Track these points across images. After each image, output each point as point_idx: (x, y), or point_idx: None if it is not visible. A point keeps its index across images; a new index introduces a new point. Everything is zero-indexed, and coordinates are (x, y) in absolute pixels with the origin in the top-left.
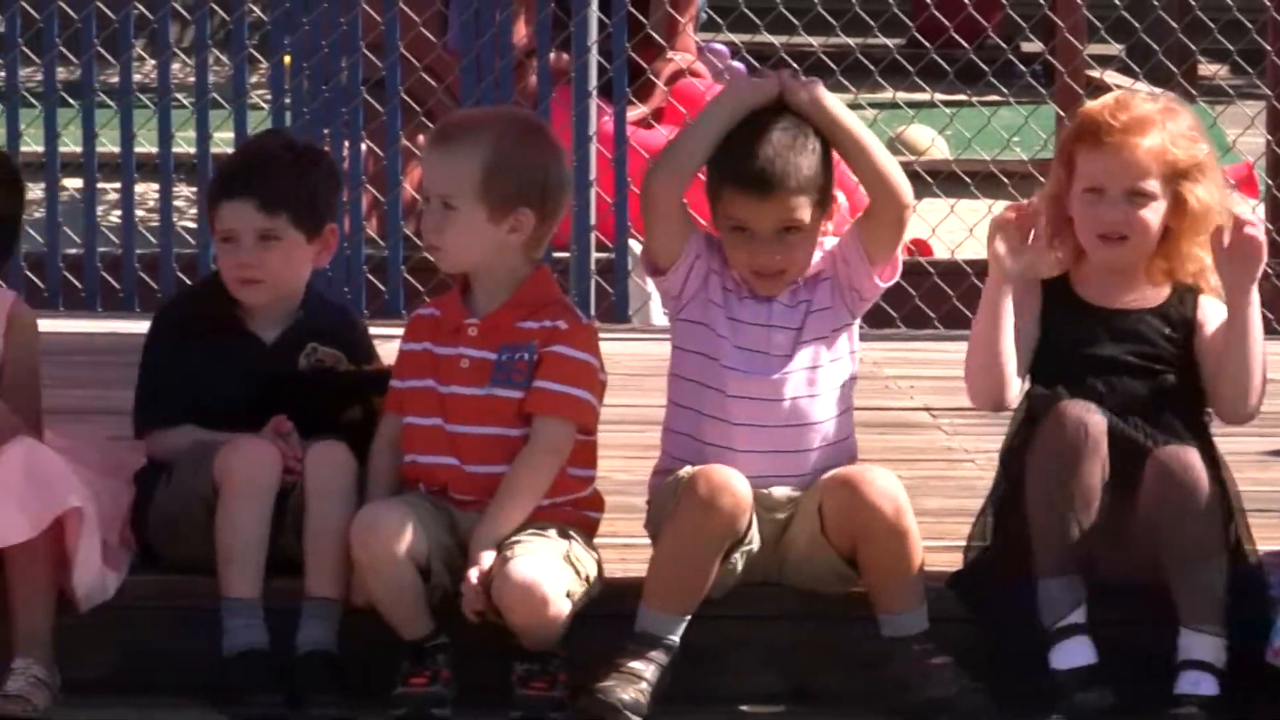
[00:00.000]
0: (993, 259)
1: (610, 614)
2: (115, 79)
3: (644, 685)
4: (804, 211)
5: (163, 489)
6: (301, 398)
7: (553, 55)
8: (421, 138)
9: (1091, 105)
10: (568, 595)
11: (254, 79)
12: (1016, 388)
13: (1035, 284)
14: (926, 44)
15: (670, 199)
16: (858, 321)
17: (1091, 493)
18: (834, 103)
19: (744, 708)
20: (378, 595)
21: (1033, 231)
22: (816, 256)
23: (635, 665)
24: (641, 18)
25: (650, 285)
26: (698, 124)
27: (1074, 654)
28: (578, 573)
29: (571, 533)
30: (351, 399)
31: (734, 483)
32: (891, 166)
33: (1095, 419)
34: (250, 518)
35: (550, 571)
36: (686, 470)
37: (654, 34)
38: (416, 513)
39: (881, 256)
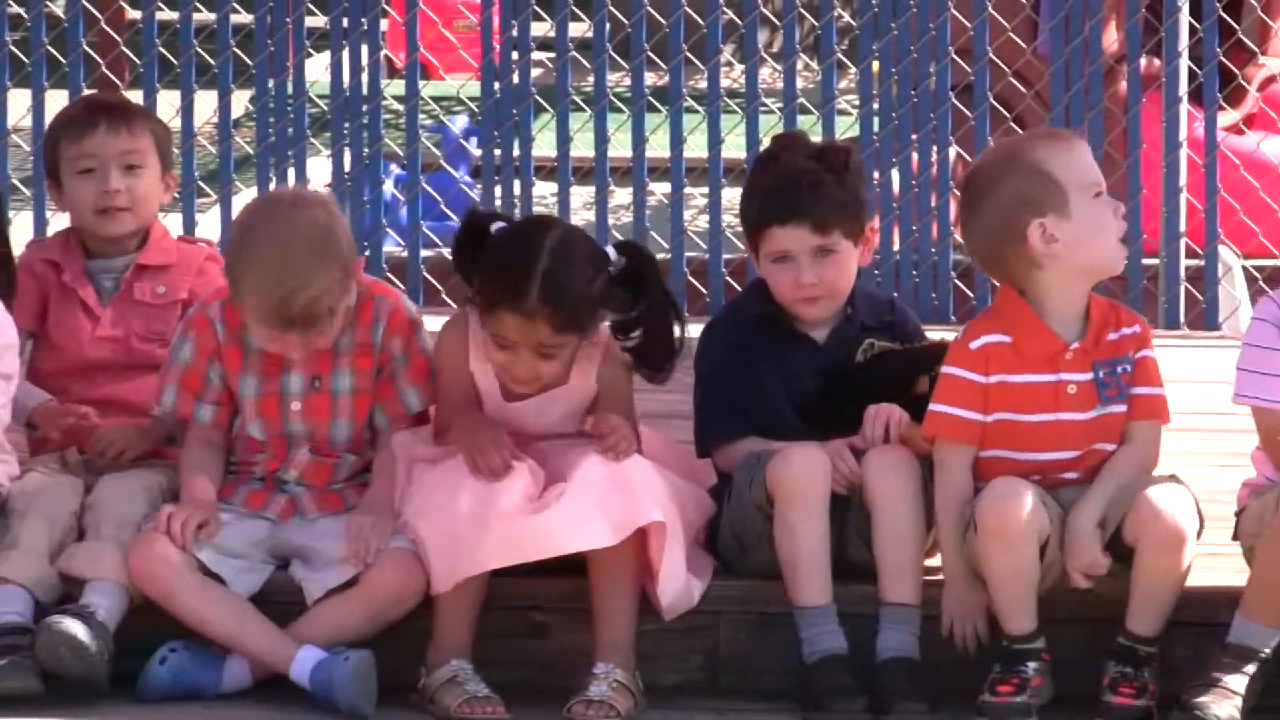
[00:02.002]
0: None
1: (1196, 622)
2: (703, 84)
3: (1237, 701)
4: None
5: (726, 502)
6: (863, 389)
7: (1143, 61)
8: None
9: None
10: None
11: (841, 84)
12: None
13: None
14: None
15: None
16: None
17: None
18: None
19: None
20: (1000, 570)
21: None
22: None
23: (1230, 680)
24: (1233, 23)
25: (1240, 291)
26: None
27: None
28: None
29: None
30: (913, 376)
31: None
32: None
33: None
34: (809, 526)
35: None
36: None
37: (1245, 39)
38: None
39: None
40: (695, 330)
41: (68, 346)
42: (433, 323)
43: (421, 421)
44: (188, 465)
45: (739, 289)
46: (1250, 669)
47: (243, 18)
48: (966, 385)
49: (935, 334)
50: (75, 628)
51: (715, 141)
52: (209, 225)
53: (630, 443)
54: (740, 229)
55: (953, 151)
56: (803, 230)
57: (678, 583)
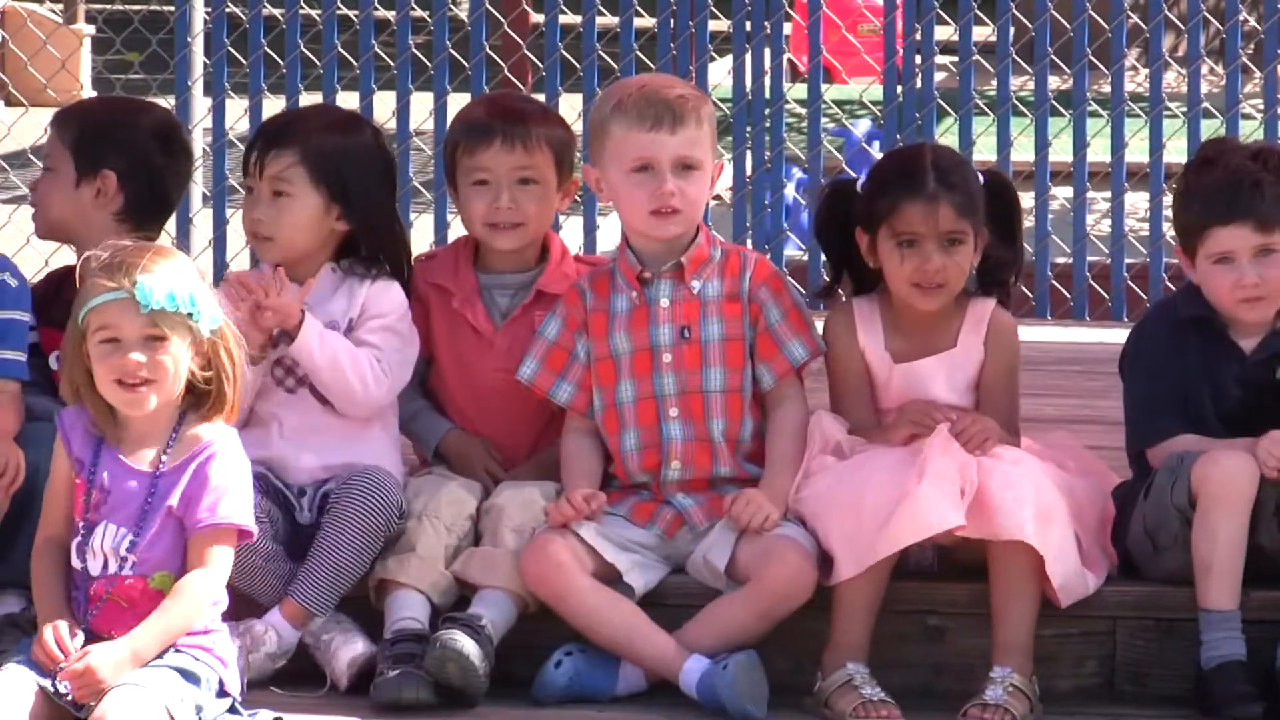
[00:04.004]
0: None
1: None
2: (1106, 88)
3: None
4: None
5: (1141, 501)
6: None
7: None
8: None
9: None
10: None
11: (1246, 89)
12: None
13: None
14: None
15: None
16: None
17: None
18: None
19: None
20: None
21: None
22: None
23: None
24: None
25: None
26: None
27: None
28: None
29: None
30: None
31: None
32: None
33: None
34: (1230, 528)
35: None
36: None
37: None
38: None
39: None
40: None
41: (460, 373)
42: None
43: None
44: (567, 461)
45: (1143, 295)
46: None
47: (645, 21)
48: None
49: None
50: (465, 644)
51: (1119, 146)
52: (610, 230)
53: (987, 435)
54: (1166, 233)
55: None
56: (1245, 229)
57: (1069, 566)
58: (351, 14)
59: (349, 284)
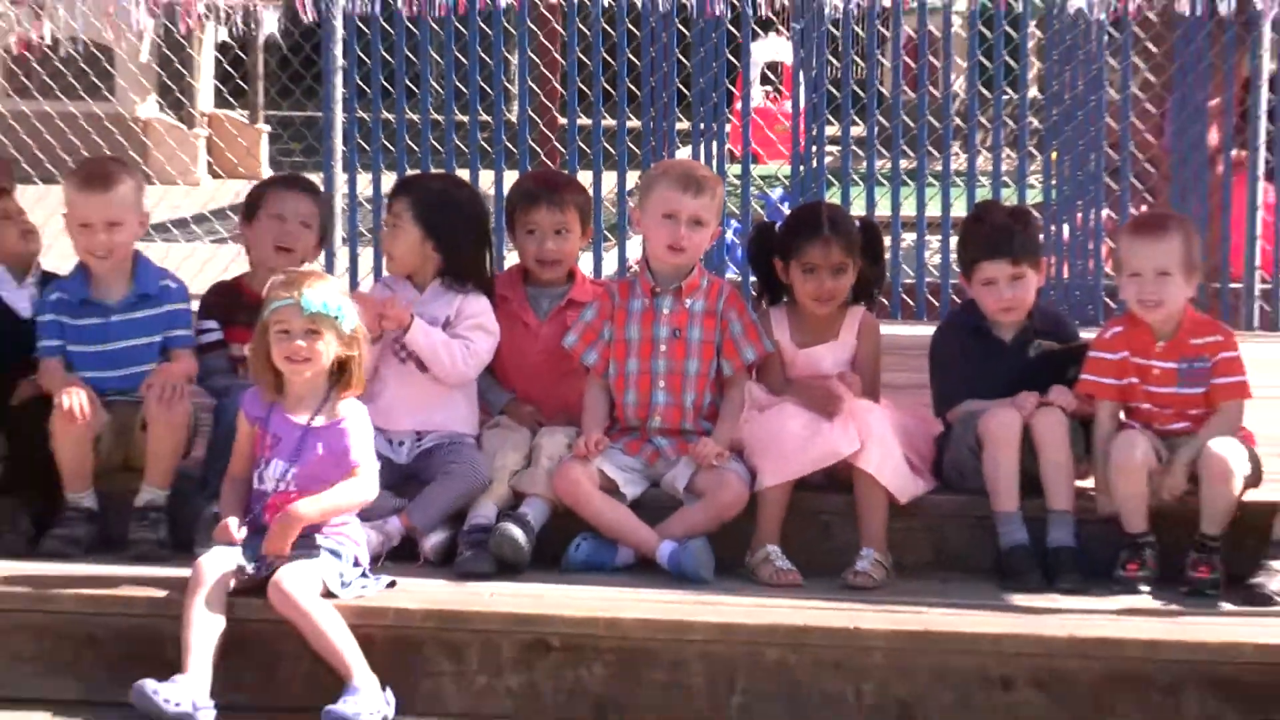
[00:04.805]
0: None
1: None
2: (939, 167)
3: None
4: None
5: (947, 447)
6: (1037, 373)
7: (1235, 151)
8: None
9: None
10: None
11: (1032, 167)
12: None
13: None
14: None
15: None
16: None
17: None
18: None
19: None
20: (1123, 491)
21: None
22: None
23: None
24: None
25: None
26: None
27: None
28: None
29: None
30: (1066, 366)
31: None
32: None
33: None
34: (1006, 458)
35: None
36: None
37: None
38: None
39: None
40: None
41: (514, 354)
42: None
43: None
44: (587, 405)
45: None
46: None
47: (634, 122)
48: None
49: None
50: (516, 533)
51: (946, 206)
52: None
53: (851, 394)
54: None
55: (1105, 212)
56: (1003, 264)
57: (901, 478)
58: (438, 117)
59: (450, 294)
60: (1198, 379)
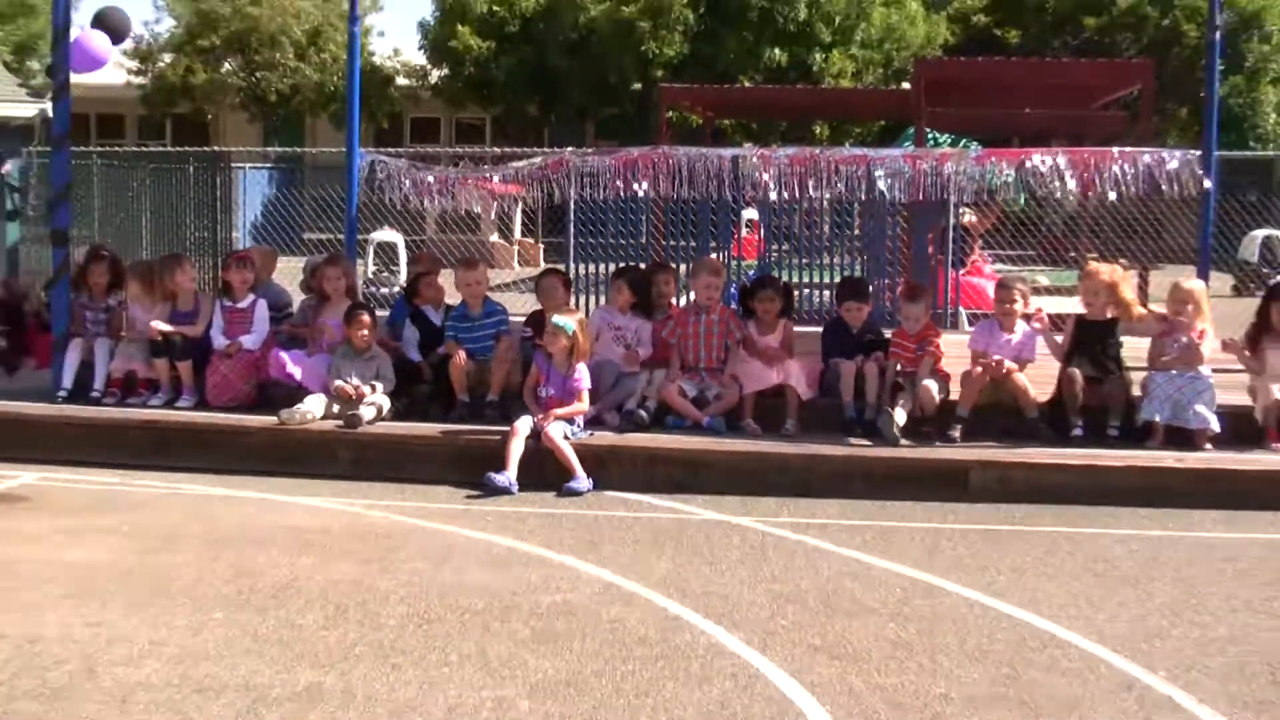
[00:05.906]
0: None
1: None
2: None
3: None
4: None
5: (829, 379)
6: (865, 346)
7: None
8: None
9: None
10: None
11: None
12: None
13: None
14: None
15: None
16: None
17: None
18: None
19: None
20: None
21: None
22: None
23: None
24: None
25: None
26: None
27: None
28: None
29: None
30: (877, 346)
31: None
32: None
33: None
34: (848, 382)
35: None
36: None
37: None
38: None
39: None
40: None
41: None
42: None
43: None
44: (672, 360)
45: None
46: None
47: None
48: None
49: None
50: (643, 414)
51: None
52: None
53: (781, 356)
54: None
55: (887, 281)
56: (857, 302)
57: (800, 387)
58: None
59: (636, 319)
60: (924, 348)
